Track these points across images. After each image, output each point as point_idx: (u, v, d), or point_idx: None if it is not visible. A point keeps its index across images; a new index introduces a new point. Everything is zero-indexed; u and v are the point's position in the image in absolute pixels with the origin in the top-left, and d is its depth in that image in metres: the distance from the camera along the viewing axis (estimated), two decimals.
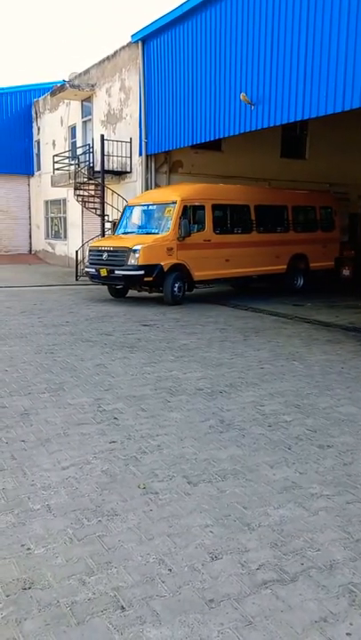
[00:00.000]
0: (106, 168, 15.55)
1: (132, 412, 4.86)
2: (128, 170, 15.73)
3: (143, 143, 14.72)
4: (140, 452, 3.99)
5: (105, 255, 11.54)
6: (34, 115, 23.43)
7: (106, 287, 12.67)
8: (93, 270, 11.83)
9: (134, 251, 10.96)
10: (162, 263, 11.06)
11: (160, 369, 6.33)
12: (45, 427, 4.47)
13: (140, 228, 12.42)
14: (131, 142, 15.49)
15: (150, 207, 12.40)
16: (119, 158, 15.81)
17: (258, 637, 2.21)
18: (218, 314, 10.56)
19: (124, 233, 12.53)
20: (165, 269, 11.12)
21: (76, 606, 2.37)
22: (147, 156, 14.88)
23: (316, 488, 3.49)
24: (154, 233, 11.61)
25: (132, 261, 10.95)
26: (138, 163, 15.25)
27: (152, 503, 3.26)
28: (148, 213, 12.51)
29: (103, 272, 11.44)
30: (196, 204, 11.84)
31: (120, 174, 15.97)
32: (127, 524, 3.02)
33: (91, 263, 12.11)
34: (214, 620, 2.30)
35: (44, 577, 2.56)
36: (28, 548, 2.78)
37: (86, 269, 12.52)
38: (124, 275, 11.19)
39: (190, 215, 11.61)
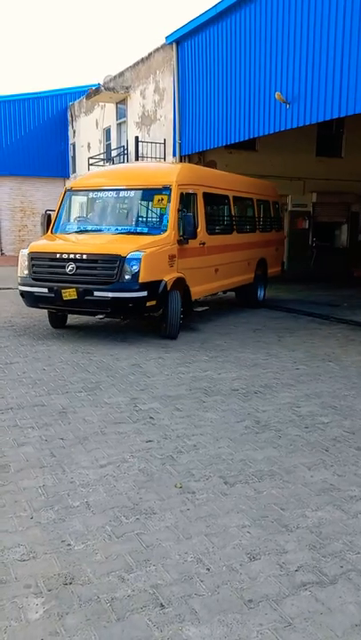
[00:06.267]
0: None
1: (168, 411, 4.89)
2: None
3: (177, 144, 14.74)
4: (176, 452, 4.01)
5: (71, 267, 7.38)
6: (69, 118, 23.79)
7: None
8: (45, 290, 7.58)
9: (131, 260, 7.15)
10: (165, 279, 7.52)
11: (195, 369, 6.35)
12: (83, 425, 4.54)
13: (103, 224, 8.43)
14: (165, 143, 15.55)
15: (122, 193, 8.42)
16: (153, 159, 15.90)
17: (297, 639, 2.20)
18: (251, 314, 10.50)
19: (80, 231, 8.43)
20: (168, 287, 7.60)
21: (116, 602, 2.40)
22: (181, 156, 14.90)
23: (355, 490, 3.45)
24: (140, 233, 8.00)
25: (126, 277, 7.16)
26: None
27: (189, 502, 3.27)
28: (116, 202, 8.66)
29: (69, 294, 7.35)
30: (190, 191, 8.46)
31: None
32: (165, 522, 3.05)
33: (35, 279, 7.74)
34: (253, 620, 2.30)
35: (84, 573, 2.60)
36: (69, 544, 2.84)
37: (23, 289, 7.91)
38: (113, 298, 7.26)
39: (186, 207, 8.24)
